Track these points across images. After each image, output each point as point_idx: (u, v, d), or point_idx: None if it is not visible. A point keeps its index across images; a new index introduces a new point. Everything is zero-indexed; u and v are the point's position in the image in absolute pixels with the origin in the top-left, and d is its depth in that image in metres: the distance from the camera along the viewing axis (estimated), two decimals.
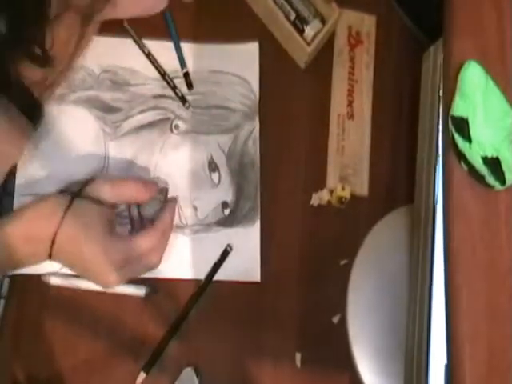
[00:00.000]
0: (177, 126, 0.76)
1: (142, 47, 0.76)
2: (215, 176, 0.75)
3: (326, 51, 0.79)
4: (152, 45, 0.76)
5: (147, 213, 0.71)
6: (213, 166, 0.75)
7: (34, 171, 0.72)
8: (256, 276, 0.74)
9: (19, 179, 0.72)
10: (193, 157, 0.75)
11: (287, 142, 0.78)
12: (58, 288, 0.71)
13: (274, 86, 0.78)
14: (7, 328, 0.70)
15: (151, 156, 0.75)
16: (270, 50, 0.78)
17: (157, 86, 0.76)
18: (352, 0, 0.80)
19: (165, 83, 0.76)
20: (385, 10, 0.81)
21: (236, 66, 0.77)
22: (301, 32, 0.75)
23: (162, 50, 0.76)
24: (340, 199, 0.76)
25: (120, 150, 0.74)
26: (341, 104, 0.79)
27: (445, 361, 0.56)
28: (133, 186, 0.69)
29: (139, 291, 0.72)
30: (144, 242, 0.66)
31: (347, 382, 0.74)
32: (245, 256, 0.74)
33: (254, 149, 0.76)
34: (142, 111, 0.75)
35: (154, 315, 0.72)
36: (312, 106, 0.79)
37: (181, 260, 0.73)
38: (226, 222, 0.75)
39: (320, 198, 0.77)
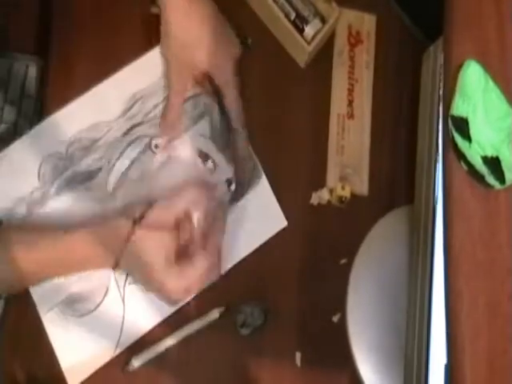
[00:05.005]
0: (156, 146, 0.74)
1: None
2: (210, 164, 0.74)
3: (325, 51, 0.79)
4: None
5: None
6: (204, 157, 0.74)
7: None
8: (282, 221, 0.75)
9: None
10: (184, 161, 0.74)
11: (287, 142, 0.78)
12: None
13: (274, 86, 0.78)
14: (7, 328, 0.70)
15: (150, 183, 0.73)
16: (270, 50, 0.78)
17: (121, 124, 0.73)
18: None
19: (126, 118, 0.74)
20: (385, 9, 0.81)
21: None
22: (301, 31, 0.75)
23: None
24: (340, 198, 0.76)
25: (120, 199, 0.72)
26: (341, 103, 0.79)
27: (445, 361, 0.56)
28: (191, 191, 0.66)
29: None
30: (202, 264, 0.64)
31: (347, 381, 0.74)
32: (264, 211, 0.75)
33: (229, 115, 0.73)
34: (121, 154, 0.73)
35: None
36: (312, 106, 0.79)
37: None
38: (237, 195, 0.74)
39: (320, 197, 0.77)
